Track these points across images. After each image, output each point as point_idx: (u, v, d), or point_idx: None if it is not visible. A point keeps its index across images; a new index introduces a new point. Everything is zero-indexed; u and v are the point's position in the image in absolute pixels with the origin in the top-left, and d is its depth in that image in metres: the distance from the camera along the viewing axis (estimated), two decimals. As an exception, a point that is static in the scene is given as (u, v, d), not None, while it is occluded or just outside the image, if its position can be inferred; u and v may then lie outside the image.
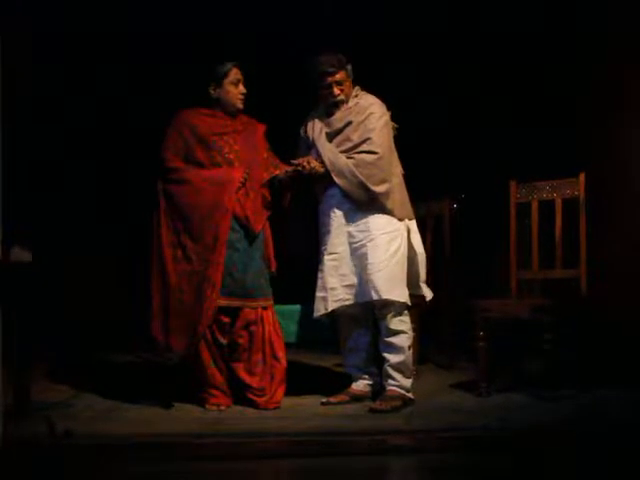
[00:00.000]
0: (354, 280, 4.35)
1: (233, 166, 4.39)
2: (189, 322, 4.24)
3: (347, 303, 4.38)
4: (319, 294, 4.41)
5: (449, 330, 5.48)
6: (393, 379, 4.34)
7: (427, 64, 6.41)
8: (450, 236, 5.51)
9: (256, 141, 4.52)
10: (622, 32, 5.35)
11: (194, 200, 4.30)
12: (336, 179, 4.35)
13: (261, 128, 4.57)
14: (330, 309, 4.38)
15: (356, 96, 4.48)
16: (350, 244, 4.38)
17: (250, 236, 4.39)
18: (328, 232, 4.44)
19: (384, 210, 4.36)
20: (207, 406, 4.32)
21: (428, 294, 4.53)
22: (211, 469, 3.53)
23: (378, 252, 4.30)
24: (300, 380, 4.68)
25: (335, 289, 4.38)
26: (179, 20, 6.34)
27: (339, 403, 4.39)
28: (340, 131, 4.42)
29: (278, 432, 3.79)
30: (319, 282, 4.43)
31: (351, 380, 4.53)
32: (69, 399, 4.53)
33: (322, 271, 4.42)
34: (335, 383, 4.63)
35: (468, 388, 4.64)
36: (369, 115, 4.39)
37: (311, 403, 4.42)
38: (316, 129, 4.48)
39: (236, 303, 4.33)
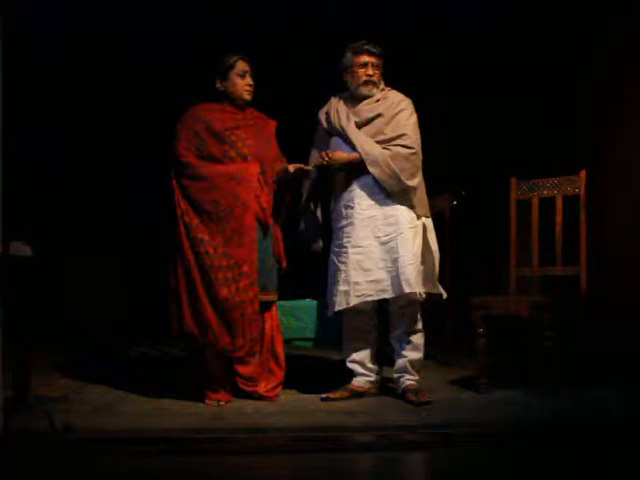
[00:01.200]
0: (379, 275, 4.31)
1: (247, 160, 4.36)
2: (227, 318, 4.21)
3: (370, 299, 4.34)
4: (341, 288, 4.34)
5: (449, 327, 5.48)
6: (411, 374, 4.41)
7: (427, 63, 6.41)
8: (450, 233, 5.51)
9: (267, 136, 4.50)
10: (622, 31, 5.34)
11: (211, 195, 4.25)
12: (370, 167, 4.33)
13: (272, 124, 4.55)
14: (352, 304, 4.33)
15: (383, 90, 4.50)
16: (377, 238, 4.35)
17: (264, 231, 4.38)
18: (351, 224, 4.38)
19: (410, 204, 4.38)
20: (207, 401, 4.31)
21: (444, 292, 4.54)
22: (210, 464, 3.50)
23: (408, 246, 4.31)
24: (300, 375, 4.68)
25: (359, 284, 4.31)
26: (180, 17, 6.34)
27: (339, 399, 4.39)
28: (369, 121, 4.42)
29: (278, 427, 3.79)
30: (341, 275, 4.35)
31: (351, 375, 4.52)
32: (68, 393, 4.52)
33: (344, 264, 4.35)
34: (335, 379, 4.62)
35: (468, 385, 4.64)
36: (401, 111, 4.42)
37: (311, 399, 4.42)
38: (342, 116, 4.46)
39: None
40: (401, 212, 4.36)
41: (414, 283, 4.24)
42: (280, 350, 4.49)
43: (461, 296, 4.99)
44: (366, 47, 4.45)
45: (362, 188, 4.38)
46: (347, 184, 4.42)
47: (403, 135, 4.37)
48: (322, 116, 4.56)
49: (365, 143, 4.37)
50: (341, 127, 4.44)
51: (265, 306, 4.44)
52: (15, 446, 3.55)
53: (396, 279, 4.26)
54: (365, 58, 4.45)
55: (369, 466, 3.45)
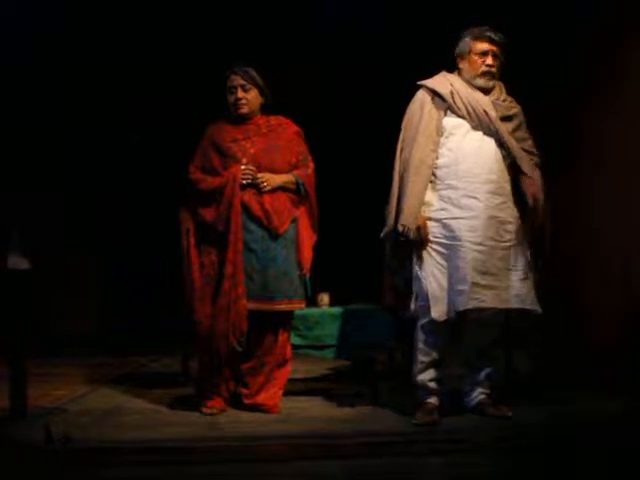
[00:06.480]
0: (497, 282, 3.90)
1: None
2: (218, 326, 4.20)
3: (483, 305, 3.88)
4: (459, 287, 3.87)
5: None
6: (485, 388, 4.18)
7: (426, 66, 6.44)
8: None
9: (281, 143, 4.38)
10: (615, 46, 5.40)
11: (208, 209, 4.27)
12: (523, 167, 4.02)
13: (292, 130, 4.43)
14: (469, 307, 3.87)
15: (501, 88, 4.15)
16: (497, 241, 3.95)
17: (270, 237, 4.28)
18: (476, 218, 3.92)
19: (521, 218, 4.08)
20: (203, 409, 4.29)
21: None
22: (207, 473, 3.51)
23: (524, 257, 4.00)
24: (297, 383, 4.72)
25: (477, 285, 3.85)
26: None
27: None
28: (504, 118, 4.06)
29: (275, 435, 3.81)
30: (458, 273, 3.89)
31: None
32: (65, 404, 4.53)
33: (463, 260, 3.88)
34: (334, 386, 4.63)
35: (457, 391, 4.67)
36: (523, 121, 4.15)
37: (308, 406, 4.41)
38: (483, 103, 4.05)
39: (253, 306, 4.22)
40: (517, 220, 4.03)
41: (527, 300, 3.93)
42: (288, 359, 4.41)
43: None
44: (488, 34, 4.05)
45: (487, 183, 3.98)
46: (467, 174, 3.99)
47: (529, 140, 4.12)
48: (445, 90, 4.07)
49: (514, 142, 4.04)
50: (485, 112, 4.02)
51: (276, 317, 4.33)
52: (11, 457, 3.55)
53: (508, 290, 3.91)
54: (485, 46, 4.05)
55: (367, 473, 3.46)
